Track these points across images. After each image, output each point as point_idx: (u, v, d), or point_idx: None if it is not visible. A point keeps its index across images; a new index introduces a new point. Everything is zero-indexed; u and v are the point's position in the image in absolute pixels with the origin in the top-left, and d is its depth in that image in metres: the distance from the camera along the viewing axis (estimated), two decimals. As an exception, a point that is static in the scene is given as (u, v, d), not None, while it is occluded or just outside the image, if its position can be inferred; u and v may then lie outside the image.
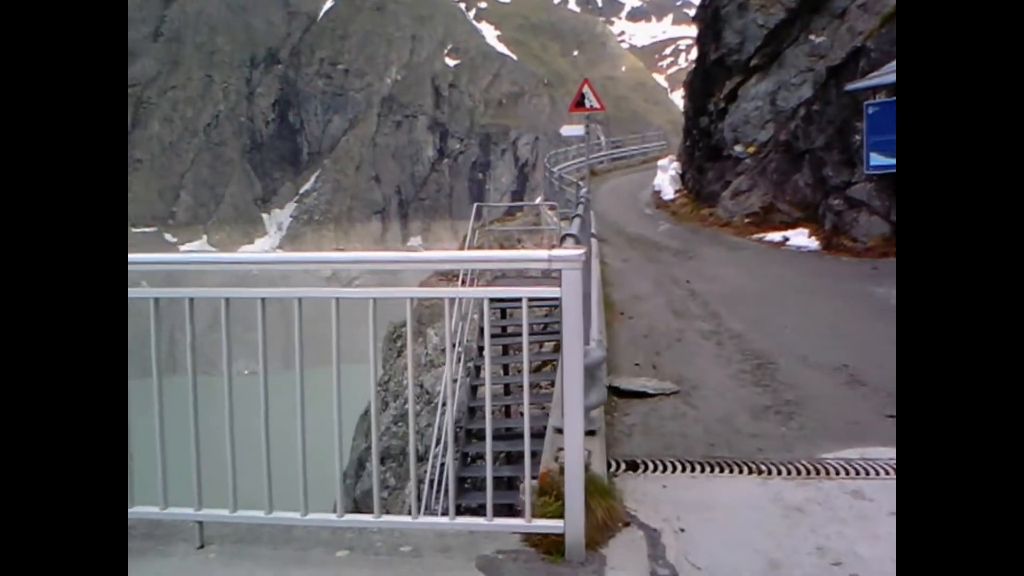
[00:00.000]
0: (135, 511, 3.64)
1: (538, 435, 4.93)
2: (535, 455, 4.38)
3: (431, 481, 10.07)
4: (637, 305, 11.83)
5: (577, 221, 9.31)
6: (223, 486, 3.70)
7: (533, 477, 3.99)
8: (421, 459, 14.00)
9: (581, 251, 3.58)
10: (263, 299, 3.63)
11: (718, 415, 6.61)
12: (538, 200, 41.26)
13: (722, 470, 5.33)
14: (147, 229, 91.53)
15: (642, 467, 5.37)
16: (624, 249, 17.71)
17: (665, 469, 5.34)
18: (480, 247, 17.27)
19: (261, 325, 3.70)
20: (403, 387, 18.07)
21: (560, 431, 4.80)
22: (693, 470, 5.34)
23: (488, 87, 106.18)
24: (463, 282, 12.13)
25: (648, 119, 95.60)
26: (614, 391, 7.02)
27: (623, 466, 5.36)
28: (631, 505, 4.55)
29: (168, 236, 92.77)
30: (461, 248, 20.84)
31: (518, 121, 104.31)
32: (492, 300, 4.45)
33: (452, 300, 7.59)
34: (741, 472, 5.27)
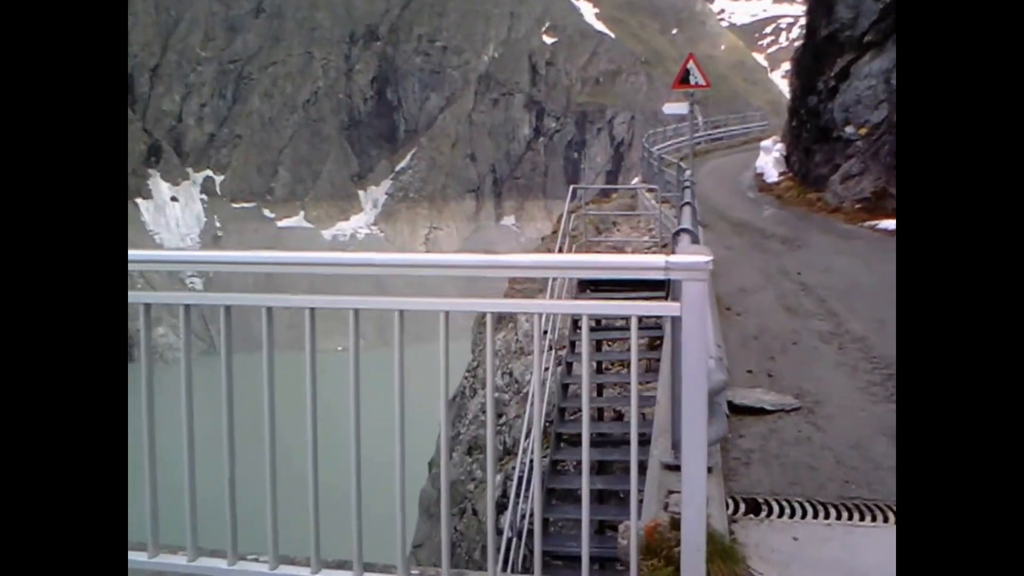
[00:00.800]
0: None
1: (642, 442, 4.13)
2: (631, 466, 3.56)
3: (518, 479, 9.20)
4: (744, 300, 10.81)
5: (688, 212, 8.35)
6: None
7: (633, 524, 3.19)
8: (509, 452, 13.41)
9: (707, 258, 2.76)
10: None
11: (850, 440, 5.66)
12: (635, 181, 40.27)
13: (862, 517, 4.43)
14: (246, 204, 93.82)
15: (765, 509, 4.50)
16: (727, 235, 16.68)
17: (793, 513, 4.46)
18: (575, 231, 16.37)
19: (309, 337, 3.09)
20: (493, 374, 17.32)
21: (670, 467, 4.16)
22: (827, 516, 4.44)
23: (585, 65, 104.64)
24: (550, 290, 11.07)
25: (747, 99, 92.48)
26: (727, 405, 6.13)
27: (743, 507, 4.54)
28: (758, 567, 3.72)
29: (266, 212, 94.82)
30: (555, 231, 20.21)
31: (615, 100, 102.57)
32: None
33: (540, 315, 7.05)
34: (887, 521, 4.37)
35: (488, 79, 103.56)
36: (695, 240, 5.91)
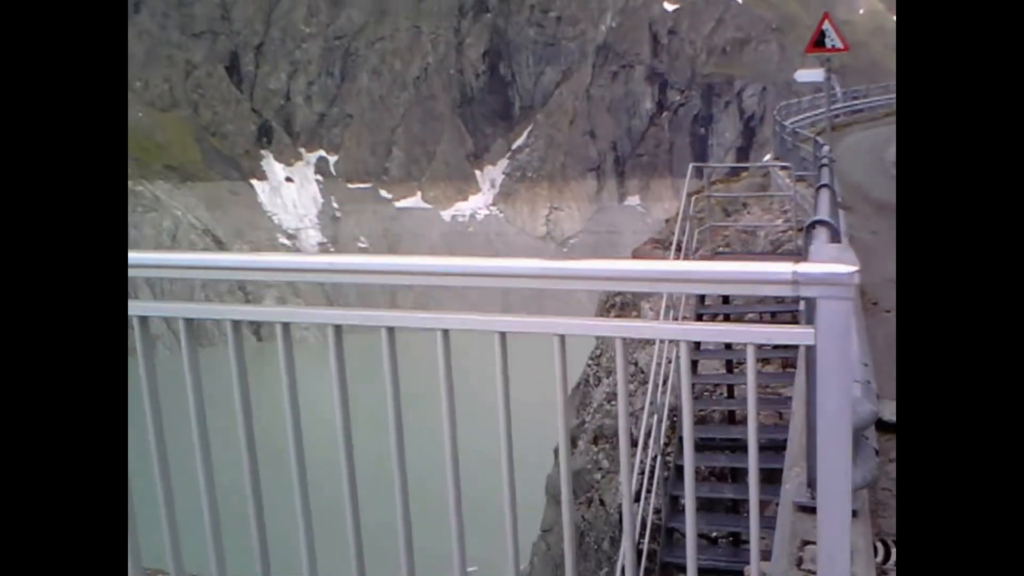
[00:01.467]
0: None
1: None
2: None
3: (646, 472, 8.79)
4: (894, 293, 8.22)
5: (826, 197, 6.77)
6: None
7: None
8: (635, 444, 12.42)
9: (852, 268, 1.99)
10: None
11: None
12: (767, 158, 37.09)
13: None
14: (362, 185, 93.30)
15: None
16: (871, 218, 15.22)
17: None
18: (701, 213, 15.35)
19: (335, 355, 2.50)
20: (615, 362, 16.14)
21: (804, 509, 3.76)
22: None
23: (711, 33, 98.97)
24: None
25: (888, 67, 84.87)
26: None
27: (892, 553, 4.03)
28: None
29: (383, 192, 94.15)
30: (677, 214, 19.88)
31: (744, 70, 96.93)
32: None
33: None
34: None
35: (606, 51, 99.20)
36: (835, 236, 4.93)
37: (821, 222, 4.81)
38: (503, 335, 2.30)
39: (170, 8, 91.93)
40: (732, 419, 10.68)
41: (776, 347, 10.32)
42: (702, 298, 11.10)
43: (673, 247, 11.58)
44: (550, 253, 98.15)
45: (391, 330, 2.38)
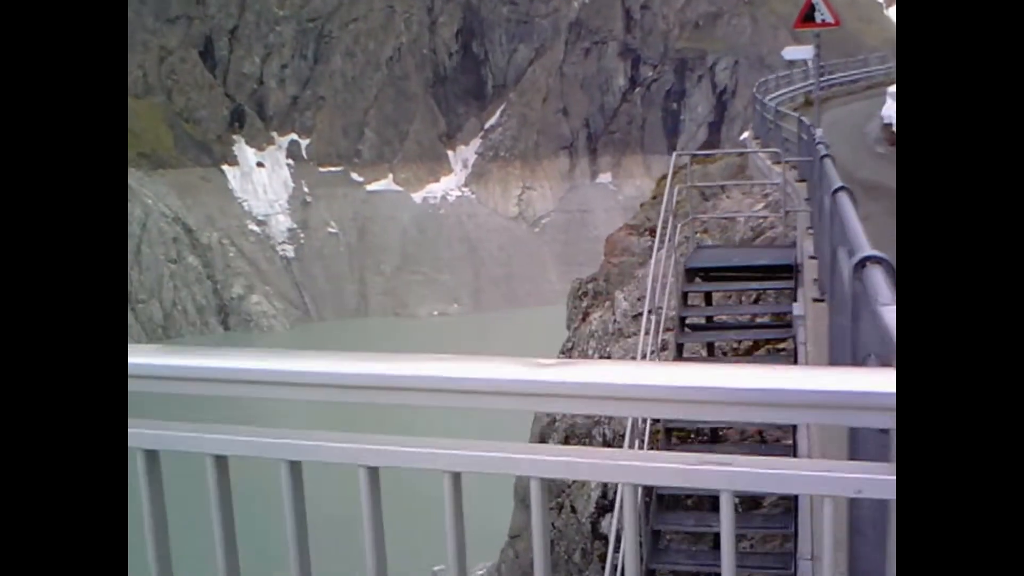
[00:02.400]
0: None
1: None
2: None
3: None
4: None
5: (850, 208, 5.33)
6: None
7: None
8: (608, 445, 12.05)
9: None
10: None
11: None
12: (744, 136, 36.96)
13: None
14: (334, 168, 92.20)
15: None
16: (862, 201, 14.09)
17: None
18: (682, 200, 14.10)
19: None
20: (588, 355, 16.21)
21: None
22: None
23: (683, 8, 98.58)
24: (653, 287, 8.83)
25: (861, 39, 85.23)
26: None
27: None
28: None
29: (354, 175, 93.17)
30: (655, 196, 19.22)
31: (716, 44, 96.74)
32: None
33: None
34: None
35: (579, 27, 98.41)
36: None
37: (875, 259, 3.31)
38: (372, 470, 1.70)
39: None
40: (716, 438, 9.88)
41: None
42: (691, 272, 10.32)
43: (656, 242, 10.54)
44: (522, 233, 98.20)
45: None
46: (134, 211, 75.62)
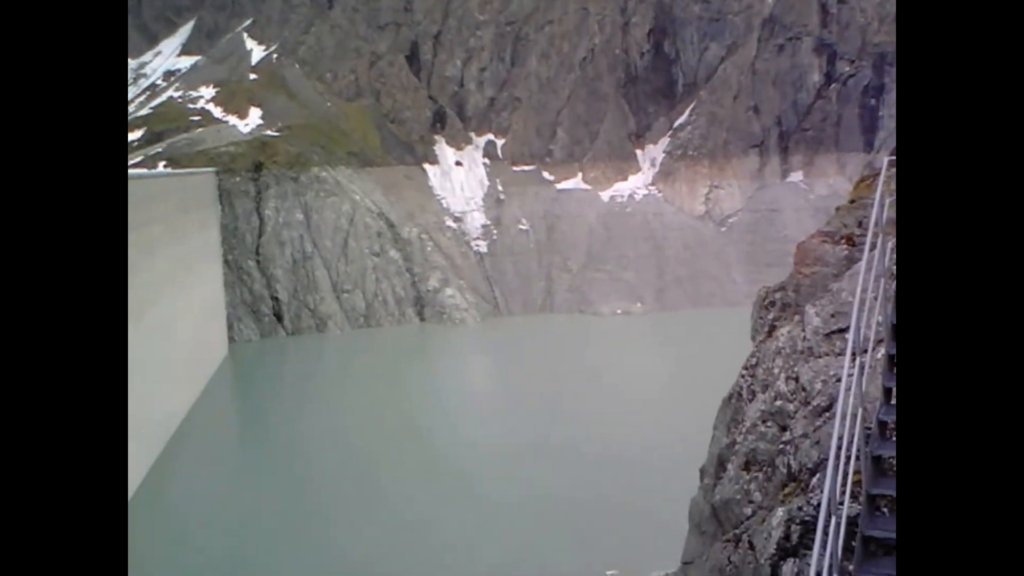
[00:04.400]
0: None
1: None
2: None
3: (816, 521, 5.94)
4: None
5: None
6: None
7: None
8: (794, 479, 10.52)
9: None
10: None
11: None
12: None
13: None
14: (526, 167, 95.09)
15: None
16: None
17: None
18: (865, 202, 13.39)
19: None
20: (774, 375, 14.29)
21: None
22: None
23: (882, 1, 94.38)
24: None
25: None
26: None
27: None
28: None
29: (546, 174, 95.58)
30: (853, 200, 16.74)
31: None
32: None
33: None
34: None
35: (772, 23, 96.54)
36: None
37: None
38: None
39: (359, 3, 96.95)
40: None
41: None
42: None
43: (863, 265, 8.74)
44: (708, 232, 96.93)
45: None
46: (343, 206, 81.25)
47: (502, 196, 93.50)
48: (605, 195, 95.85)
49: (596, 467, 40.78)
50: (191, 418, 51.39)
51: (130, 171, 70.65)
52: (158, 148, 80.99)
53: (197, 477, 42.85)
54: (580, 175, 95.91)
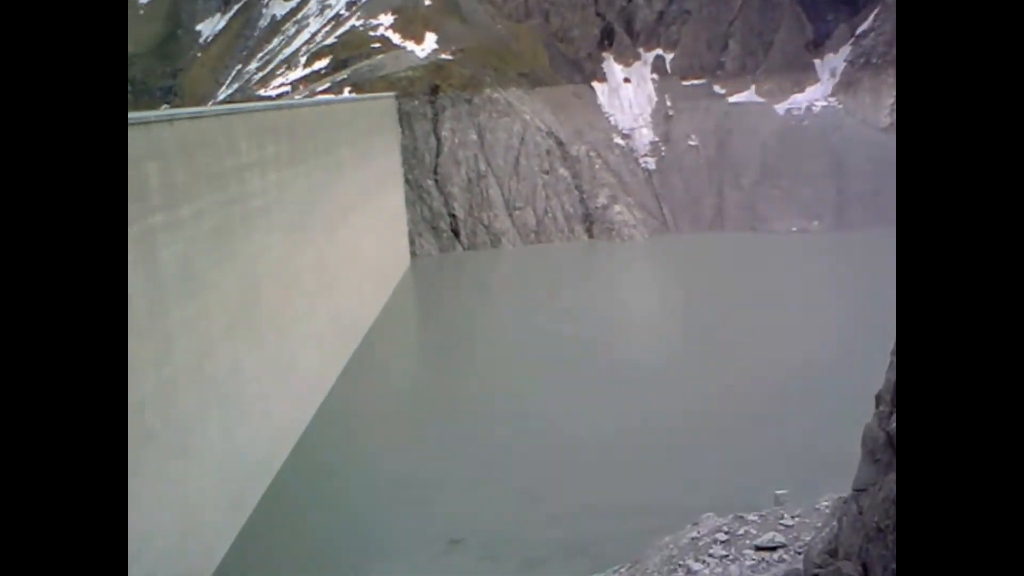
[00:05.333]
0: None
1: None
2: None
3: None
4: None
5: None
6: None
7: None
8: None
9: None
10: None
11: None
12: None
13: None
14: (696, 82, 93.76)
15: None
16: None
17: None
18: None
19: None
20: None
21: None
22: None
23: None
24: None
25: None
26: None
27: None
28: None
29: (717, 88, 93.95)
30: None
31: None
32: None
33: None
34: None
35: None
36: None
37: None
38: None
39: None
40: None
41: None
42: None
43: None
44: (893, 145, 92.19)
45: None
46: (514, 126, 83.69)
47: (671, 112, 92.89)
48: (780, 108, 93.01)
49: (765, 388, 40.62)
50: (379, 322, 56.54)
51: (319, 96, 75.82)
52: (343, 75, 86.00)
53: (384, 368, 48.30)
54: (753, 88, 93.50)
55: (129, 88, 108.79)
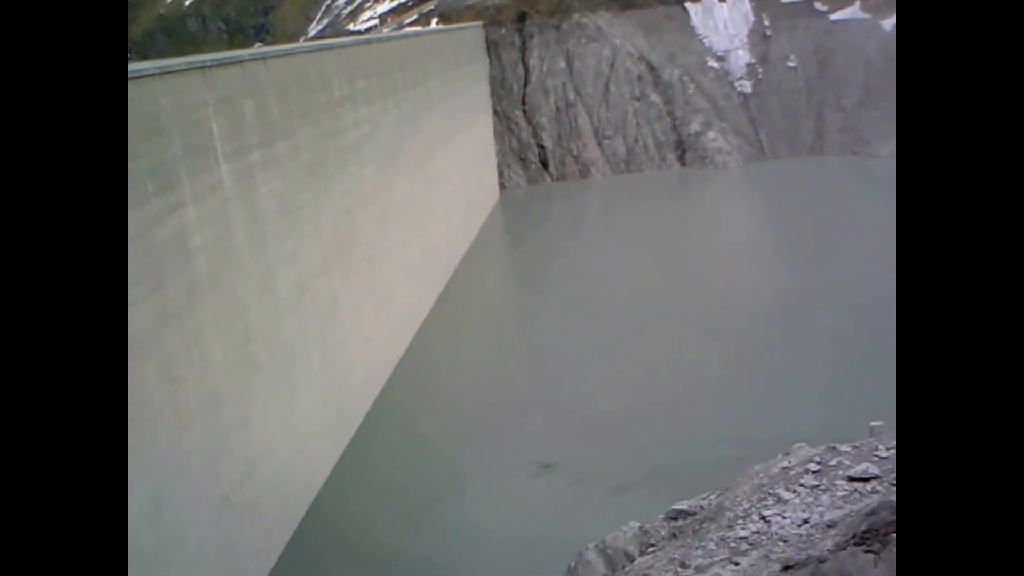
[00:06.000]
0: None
1: None
2: None
3: None
4: None
5: None
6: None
7: None
8: None
9: None
10: None
11: None
12: None
13: None
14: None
15: None
16: None
17: None
18: None
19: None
20: None
21: None
22: None
23: None
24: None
25: None
26: None
27: None
28: None
29: (818, 5, 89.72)
30: None
31: None
32: None
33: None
34: None
35: None
36: None
37: None
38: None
39: None
40: None
41: None
42: None
43: None
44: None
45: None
46: (603, 51, 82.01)
47: (768, 32, 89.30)
48: (887, 24, 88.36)
49: (871, 320, 38.87)
50: (469, 254, 57.30)
51: (407, 29, 75.68)
52: (430, 5, 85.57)
53: (477, 298, 49.42)
54: (857, 3, 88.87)
55: (223, 27, 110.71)
